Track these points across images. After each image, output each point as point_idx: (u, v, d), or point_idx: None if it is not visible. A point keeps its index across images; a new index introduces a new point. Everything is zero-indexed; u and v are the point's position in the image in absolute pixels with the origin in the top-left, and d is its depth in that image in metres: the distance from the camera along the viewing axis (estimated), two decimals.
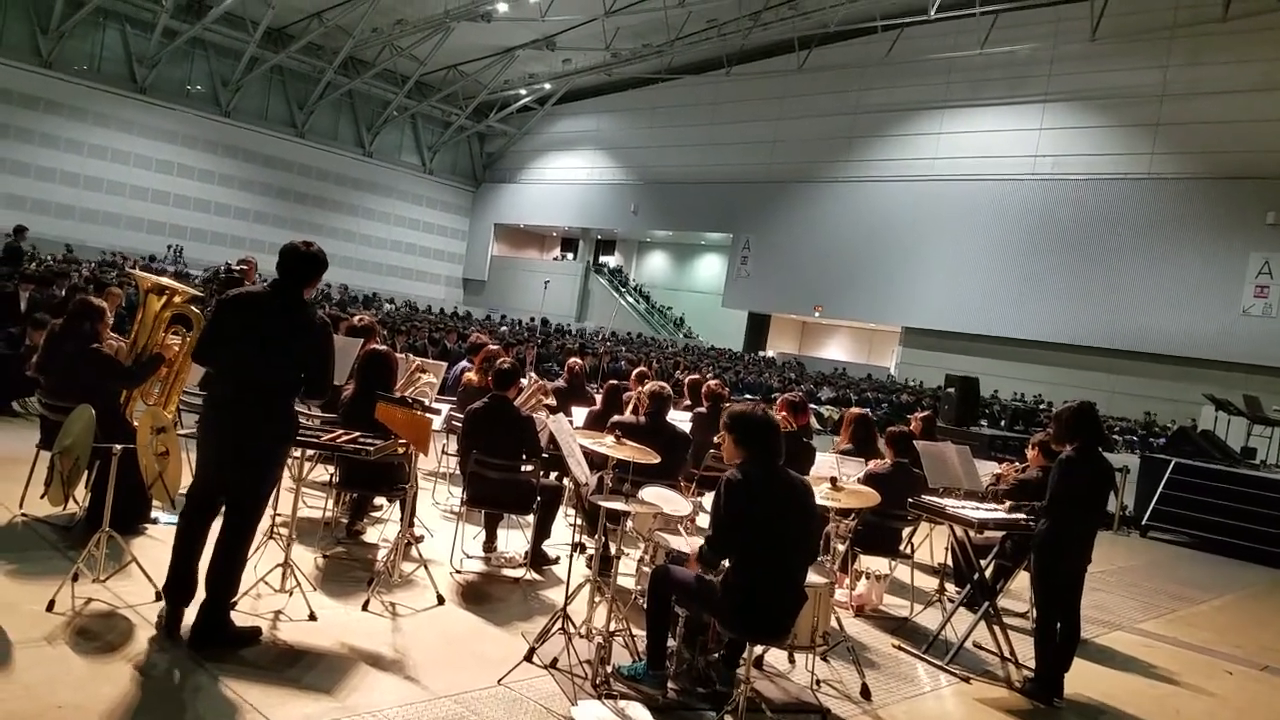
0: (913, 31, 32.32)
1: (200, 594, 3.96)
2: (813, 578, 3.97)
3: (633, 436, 4.95)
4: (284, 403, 3.99)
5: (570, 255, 47.83)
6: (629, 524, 4.49)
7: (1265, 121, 26.03)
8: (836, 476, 4.72)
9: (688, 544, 4.23)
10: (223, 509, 4.03)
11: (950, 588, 6.68)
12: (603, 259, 46.74)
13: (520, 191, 45.94)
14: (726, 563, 3.74)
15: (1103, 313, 28.75)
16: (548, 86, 40.63)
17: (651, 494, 4.48)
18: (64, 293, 9.24)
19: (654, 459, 4.46)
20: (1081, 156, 29.66)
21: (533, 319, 34.92)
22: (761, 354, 37.14)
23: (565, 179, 43.75)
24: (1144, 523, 11.95)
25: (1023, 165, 30.81)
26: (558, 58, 37.22)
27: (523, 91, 41.23)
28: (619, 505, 4.06)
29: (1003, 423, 17.77)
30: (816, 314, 36.82)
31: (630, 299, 43.36)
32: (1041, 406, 24.67)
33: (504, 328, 25.61)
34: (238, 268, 8.86)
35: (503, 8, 30.88)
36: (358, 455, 4.44)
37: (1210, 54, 27.22)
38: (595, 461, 4.54)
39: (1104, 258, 28.93)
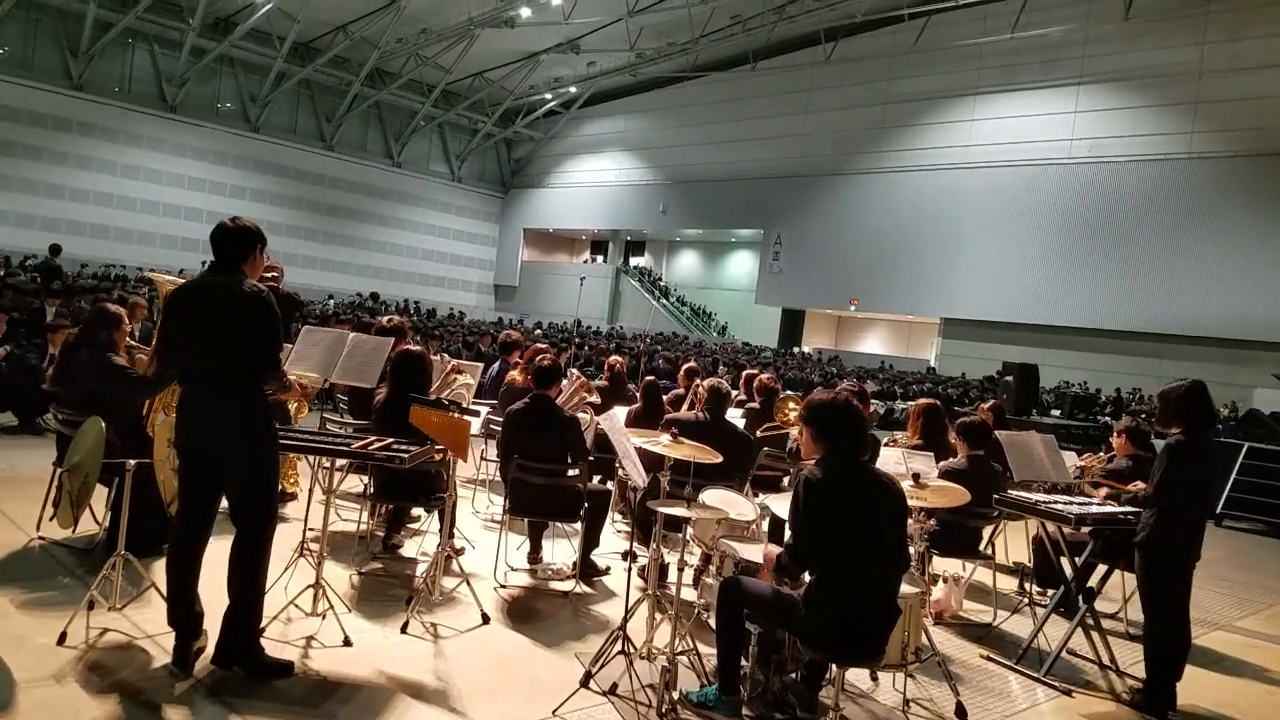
0: (941, 18, 31.64)
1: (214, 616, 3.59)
2: (903, 588, 3.51)
3: (691, 435, 4.52)
4: (246, 387, 3.59)
5: (600, 258, 47.55)
6: (690, 531, 4.05)
7: None
8: (919, 473, 4.25)
9: (758, 551, 3.78)
10: (218, 528, 3.66)
11: (1029, 588, 6.20)
12: (633, 260, 46.41)
13: (549, 196, 45.75)
14: (807, 575, 3.30)
15: (1147, 296, 27.91)
16: (573, 90, 40.37)
17: (713, 497, 4.04)
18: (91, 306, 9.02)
19: (716, 458, 4.03)
20: (1119, 138, 28.86)
21: (565, 323, 34.64)
22: (798, 350, 36.56)
23: (593, 181, 43.48)
24: (1219, 511, 11.30)
25: (1059, 149, 30.03)
26: (582, 60, 36.94)
27: (548, 96, 41.01)
28: (679, 510, 3.64)
29: (1056, 412, 17.05)
30: (852, 308, 36.20)
31: (663, 300, 42.96)
32: (1106, 395, 23.89)
33: (537, 331, 25.32)
34: (270, 276, 8.59)
35: (526, 13, 30.62)
36: (391, 463, 4.04)
37: (1249, 28, 26.34)
38: (650, 462, 4.11)
39: (1146, 240, 28.11)
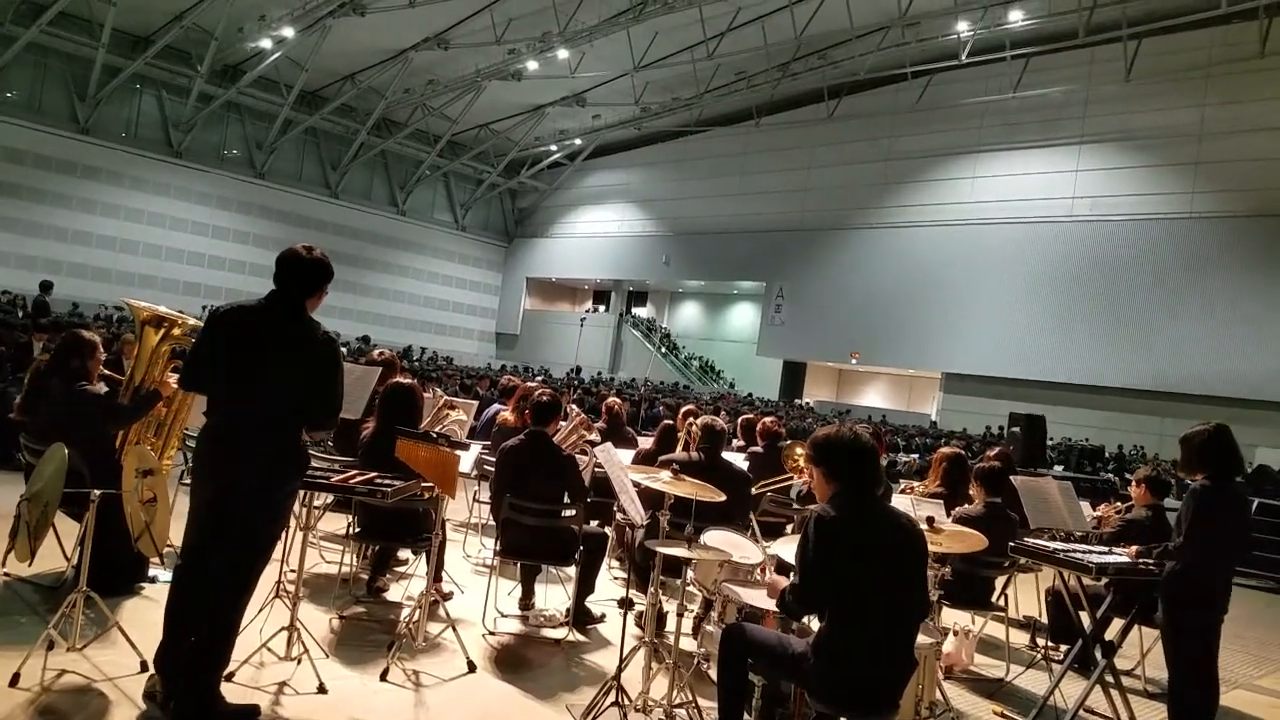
0: (943, 77, 31.98)
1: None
2: (918, 638, 3.26)
3: (688, 473, 4.30)
4: (287, 434, 3.36)
5: (603, 308, 47.55)
6: (690, 574, 3.81)
7: None
8: (933, 516, 4.02)
9: (763, 597, 3.53)
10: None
11: (1041, 642, 5.92)
12: (635, 310, 46.40)
13: (552, 246, 45.90)
14: (814, 621, 3.05)
15: (1149, 354, 27.76)
16: (578, 142, 40.69)
17: (716, 539, 3.79)
18: None
19: (719, 496, 3.79)
20: (1120, 197, 28.95)
21: (566, 372, 34.46)
22: (799, 402, 36.32)
23: (597, 232, 43.65)
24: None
25: (1060, 207, 30.11)
26: (588, 113, 37.29)
27: (553, 148, 41.33)
28: (680, 551, 3.40)
29: (1060, 467, 16.76)
30: (854, 361, 36.04)
31: (664, 349, 42.85)
32: (1109, 451, 23.61)
33: (539, 378, 25.12)
34: None
35: (533, 66, 30.94)
36: (373, 498, 3.81)
37: (1248, 91, 26.52)
38: (650, 500, 3.87)
39: (1147, 298, 28.04)
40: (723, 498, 3.84)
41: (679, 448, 5.84)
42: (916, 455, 17.95)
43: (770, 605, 3.34)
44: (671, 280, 42.87)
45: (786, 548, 3.86)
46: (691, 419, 5.86)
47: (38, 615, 4.26)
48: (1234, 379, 26.07)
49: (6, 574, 4.70)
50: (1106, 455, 23.80)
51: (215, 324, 3.38)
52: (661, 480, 3.76)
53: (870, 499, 3.03)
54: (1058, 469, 16.19)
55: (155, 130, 34.25)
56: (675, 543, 3.52)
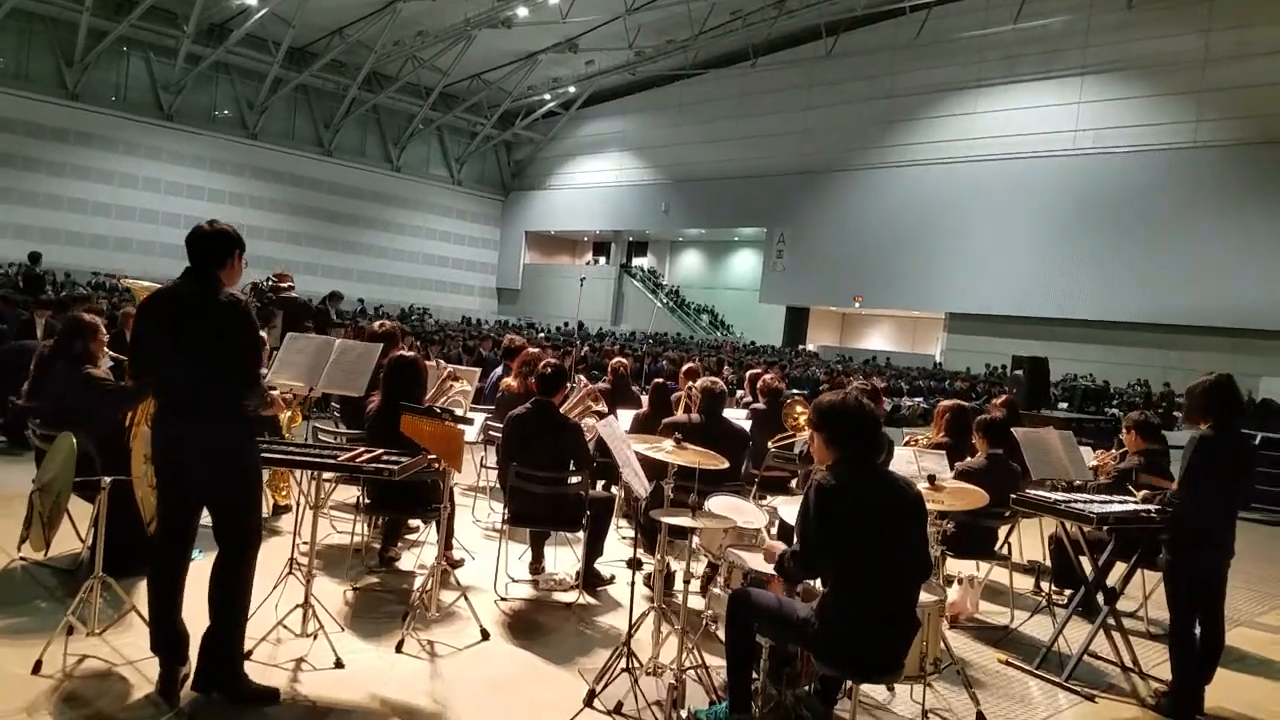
0: (942, 11, 31.45)
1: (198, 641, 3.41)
2: (921, 596, 3.32)
3: (688, 437, 4.34)
4: (225, 403, 3.39)
5: (603, 259, 47.38)
6: (695, 541, 3.86)
7: None
8: (934, 474, 4.05)
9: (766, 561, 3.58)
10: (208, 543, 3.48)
11: (1046, 587, 6.01)
12: (636, 261, 46.22)
13: (550, 198, 45.58)
14: (818, 583, 3.10)
15: (1153, 287, 27.65)
16: (572, 90, 40.18)
17: (720, 504, 3.84)
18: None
19: (722, 463, 3.83)
20: (1123, 129, 28.60)
21: (565, 324, 34.44)
22: (803, 348, 36.35)
23: (594, 182, 43.30)
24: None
25: (1062, 141, 29.79)
26: (581, 60, 36.74)
27: (547, 96, 40.83)
28: (686, 521, 3.45)
29: (1064, 405, 16.80)
30: (857, 304, 35.99)
31: (665, 300, 42.77)
32: (1115, 387, 23.63)
33: (540, 334, 25.15)
34: (285, 285, 8.42)
35: (523, 12, 30.44)
36: (380, 476, 3.85)
37: (1255, 13, 26.04)
38: (654, 469, 3.91)
39: (1151, 231, 27.85)
40: (725, 464, 3.88)
41: (679, 409, 5.86)
42: (920, 399, 17.99)
43: (771, 569, 3.40)
44: (671, 229, 42.63)
45: (788, 507, 3.90)
46: (691, 382, 5.87)
47: (56, 599, 4.34)
48: (1237, 309, 26.03)
49: (23, 559, 4.77)
50: (1112, 391, 23.82)
51: (142, 314, 3.46)
52: (664, 450, 3.79)
53: (870, 466, 3.07)
54: (1063, 406, 16.20)
55: (145, 93, 33.92)
56: (680, 511, 3.56)
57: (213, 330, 3.32)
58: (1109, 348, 29.14)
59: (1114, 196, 28.58)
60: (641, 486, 3.63)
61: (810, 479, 3.03)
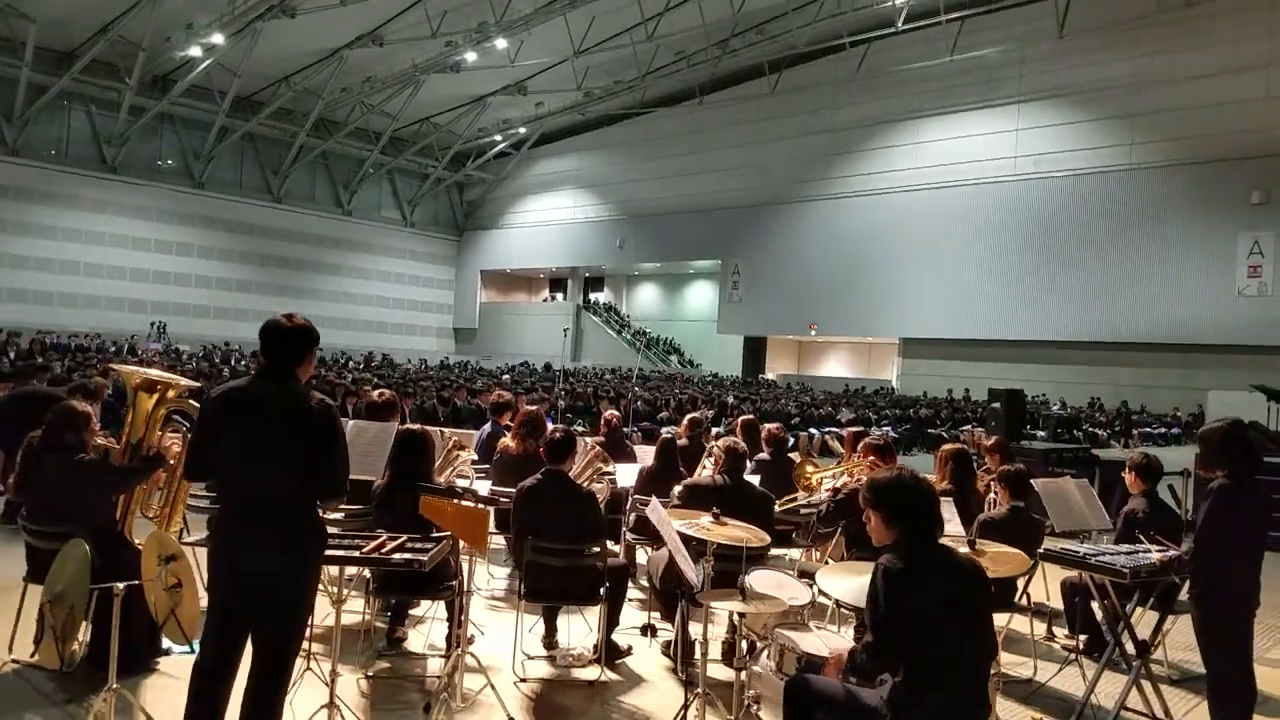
0: (881, 45, 32.21)
1: None
2: None
3: (713, 499, 4.25)
4: (300, 513, 3.26)
5: (560, 295, 47.29)
6: (738, 620, 3.75)
7: (1240, 103, 25.87)
8: (974, 540, 4.00)
9: (821, 642, 3.48)
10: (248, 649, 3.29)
11: (1059, 632, 5.98)
12: (593, 296, 46.22)
13: (504, 236, 45.51)
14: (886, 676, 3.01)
15: (1100, 306, 28.40)
16: (523, 130, 40.29)
17: (762, 580, 3.74)
18: (45, 386, 8.53)
19: (765, 540, 3.74)
20: (1061, 153, 29.47)
21: (525, 363, 34.22)
22: (762, 376, 36.55)
23: (548, 220, 43.36)
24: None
25: (1003, 167, 30.57)
26: (530, 101, 36.91)
27: (498, 138, 40.89)
28: (738, 605, 3.34)
29: (1042, 433, 17.01)
30: (812, 332, 36.36)
31: (623, 333, 42.72)
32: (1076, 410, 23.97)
33: (506, 375, 24.94)
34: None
35: (471, 57, 30.51)
36: (410, 568, 3.70)
37: (1179, 40, 27.12)
38: (691, 546, 3.81)
39: (1095, 251, 28.64)
40: (768, 540, 3.79)
41: (698, 470, 5.75)
42: (889, 428, 18.13)
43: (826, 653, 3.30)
44: (627, 264, 42.79)
45: (827, 579, 3.81)
46: (714, 443, 5.78)
47: (55, 704, 4.08)
48: (1185, 325, 26.77)
49: (14, 660, 4.49)
50: (1082, 415, 24.17)
51: (211, 409, 3.27)
52: (703, 527, 3.69)
53: (934, 547, 3.00)
54: (1041, 435, 16.40)
55: (87, 146, 33.31)
56: (729, 594, 3.46)
57: (306, 437, 3.19)
58: (1061, 367, 29.76)
59: (1057, 219, 29.33)
60: (694, 574, 3.52)
61: (876, 564, 2.95)
